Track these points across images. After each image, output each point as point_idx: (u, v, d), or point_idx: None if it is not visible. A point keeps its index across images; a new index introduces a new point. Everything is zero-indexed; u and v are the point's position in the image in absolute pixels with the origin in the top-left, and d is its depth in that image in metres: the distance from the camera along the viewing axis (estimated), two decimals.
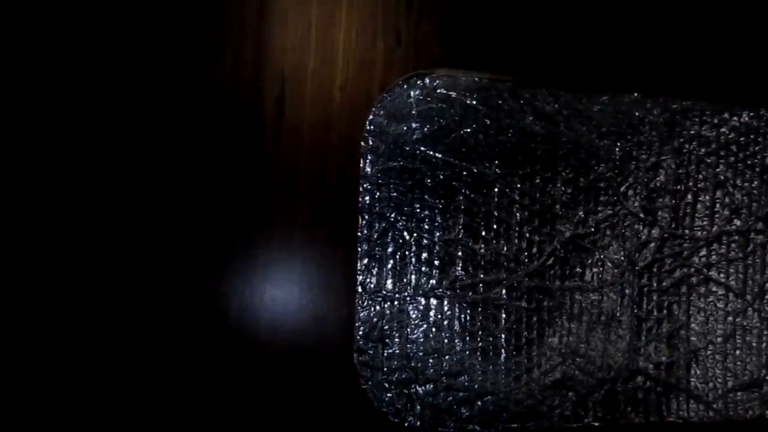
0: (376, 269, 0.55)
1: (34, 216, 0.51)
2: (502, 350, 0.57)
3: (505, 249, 0.57)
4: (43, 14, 0.52)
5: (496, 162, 0.57)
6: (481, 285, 0.56)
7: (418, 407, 0.55)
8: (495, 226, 0.57)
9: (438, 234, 0.56)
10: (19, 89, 0.51)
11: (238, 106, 0.54)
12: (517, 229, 0.57)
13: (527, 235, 0.57)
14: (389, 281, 0.55)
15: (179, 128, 0.53)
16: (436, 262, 0.56)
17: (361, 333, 0.55)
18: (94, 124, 0.52)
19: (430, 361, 0.56)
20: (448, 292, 0.56)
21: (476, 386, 0.56)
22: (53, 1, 0.52)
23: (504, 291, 0.57)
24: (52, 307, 0.51)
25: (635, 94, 0.59)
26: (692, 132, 0.60)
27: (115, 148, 0.52)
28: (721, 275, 0.61)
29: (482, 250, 0.56)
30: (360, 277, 0.55)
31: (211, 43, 0.54)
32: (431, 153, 0.56)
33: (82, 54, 0.52)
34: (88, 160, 0.52)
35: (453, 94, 0.56)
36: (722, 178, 0.60)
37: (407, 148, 0.56)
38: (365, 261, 0.55)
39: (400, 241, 0.55)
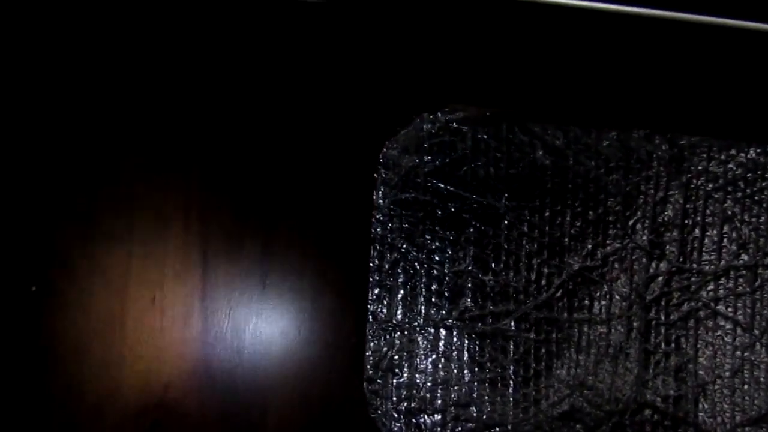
0: (386, 299, 0.56)
1: None
2: (511, 381, 0.57)
3: (514, 281, 0.58)
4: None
5: (506, 195, 0.58)
6: (490, 316, 0.57)
7: None
8: (504, 258, 0.58)
9: (448, 265, 0.57)
10: None
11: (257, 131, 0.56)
12: (526, 261, 0.58)
13: (536, 267, 0.58)
14: (399, 311, 0.56)
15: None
16: (446, 293, 0.57)
17: (371, 362, 0.55)
18: None
19: (439, 391, 0.56)
20: (458, 323, 0.57)
21: (484, 417, 0.57)
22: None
23: (513, 322, 0.57)
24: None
25: (643, 130, 0.60)
26: (700, 167, 0.61)
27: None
28: (729, 309, 0.61)
29: (491, 282, 0.57)
30: (371, 307, 0.56)
31: None
32: (442, 185, 0.57)
33: None
34: None
35: (464, 128, 0.57)
36: (730, 213, 0.61)
37: (419, 181, 0.57)
38: (376, 291, 0.56)
39: (411, 271, 0.56)
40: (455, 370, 0.56)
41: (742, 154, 0.62)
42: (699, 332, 0.60)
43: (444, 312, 0.57)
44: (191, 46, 0.55)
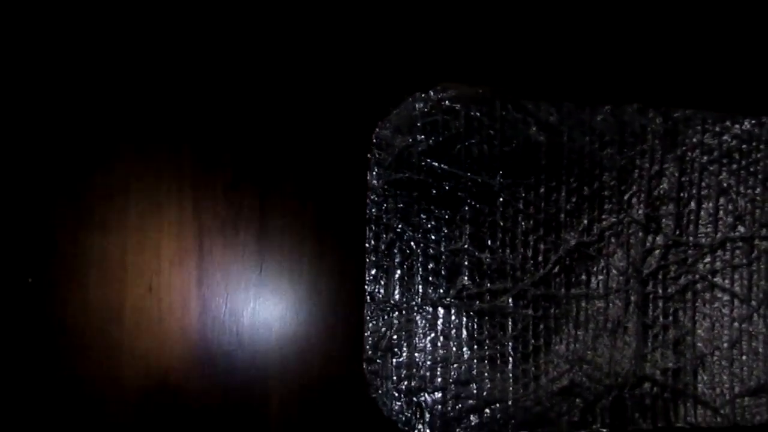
0: (384, 280, 0.56)
1: None
2: (510, 358, 0.57)
3: (510, 258, 0.58)
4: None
5: (501, 172, 0.58)
6: (487, 294, 0.57)
7: (427, 415, 0.56)
8: (500, 236, 0.58)
9: (444, 244, 0.57)
10: None
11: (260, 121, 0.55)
12: (522, 238, 0.58)
13: (532, 243, 0.58)
14: (397, 291, 0.56)
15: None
16: (443, 272, 0.57)
17: (370, 343, 0.55)
18: None
19: (439, 369, 0.56)
20: (455, 302, 0.57)
21: (484, 394, 0.57)
22: None
23: (510, 299, 0.57)
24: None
25: (637, 104, 0.60)
26: (694, 140, 0.61)
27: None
28: (726, 281, 0.61)
29: (488, 260, 0.57)
30: (368, 288, 0.56)
31: None
32: (437, 164, 0.57)
33: None
34: None
35: (457, 106, 0.57)
36: (725, 185, 0.61)
37: (413, 160, 0.57)
38: (373, 272, 0.56)
39: (407, 251, 0.56)
40: (454, 349, 0.57)
41: (737, 126, 0.61)
42: (696, 305, 0.61)
43: (441, 291, 0.57)
44: (182, 28, 0.55)
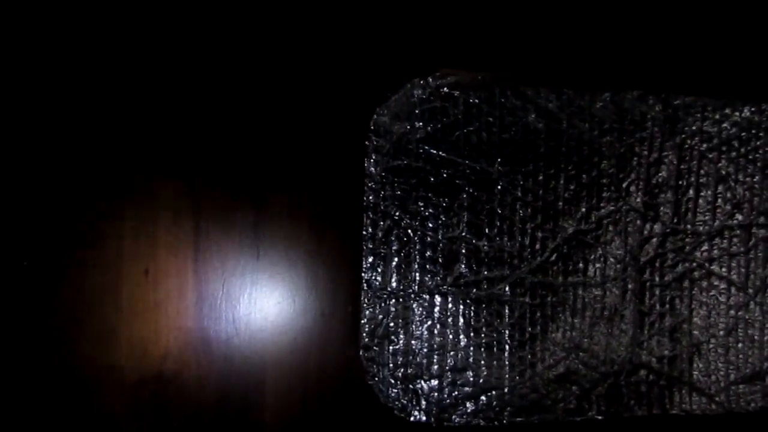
0: (381, 267, 0.56)
1: None
2: (506, 345, 0.57)
3: (508, 246, 0.57)
4: None
5: (499, 159, 0.57)
6: (484, 281, 0.57)
7: (424, 402, 0.56)
8: (498, 223, 0.57)
9: (442, 231, 0.57)
10: None
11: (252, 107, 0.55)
12: (520, 225, 0.58)
13: (530, 231, 0.58)
14: (394, 279, 0.56)
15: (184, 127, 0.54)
16: (440, 260, 0.57)
17: (366, 330, 0.55)
18: None
19: (435, 357, 0.57)
20: (453, 289, 0.57)
21: (481, 381, 0.57)
22: None
23: (507, 287, 0.57)
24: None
25: (637, 91, 0.59)
26: (694, 128, 0.60)
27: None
28: (723, 269, 0.61)
29: (486, 247, 0.57)
30: (365, 275, 0.55)
31: None
32: (435, 151, 0.56)
33: None
34: None
35: (456, 92, 0.57)
36: (724, 173, 0.61)
37: (411, 147, 0.56)
38: (370, 259, 0.56)
39: (405, 239, 0.56)
40: (451, 336, 0.57)
41: (737, 114, 0.61)
42: (693, 293, 0.61)
43: (439, 278, 0.57)
44: (179, 20, 0.54)
